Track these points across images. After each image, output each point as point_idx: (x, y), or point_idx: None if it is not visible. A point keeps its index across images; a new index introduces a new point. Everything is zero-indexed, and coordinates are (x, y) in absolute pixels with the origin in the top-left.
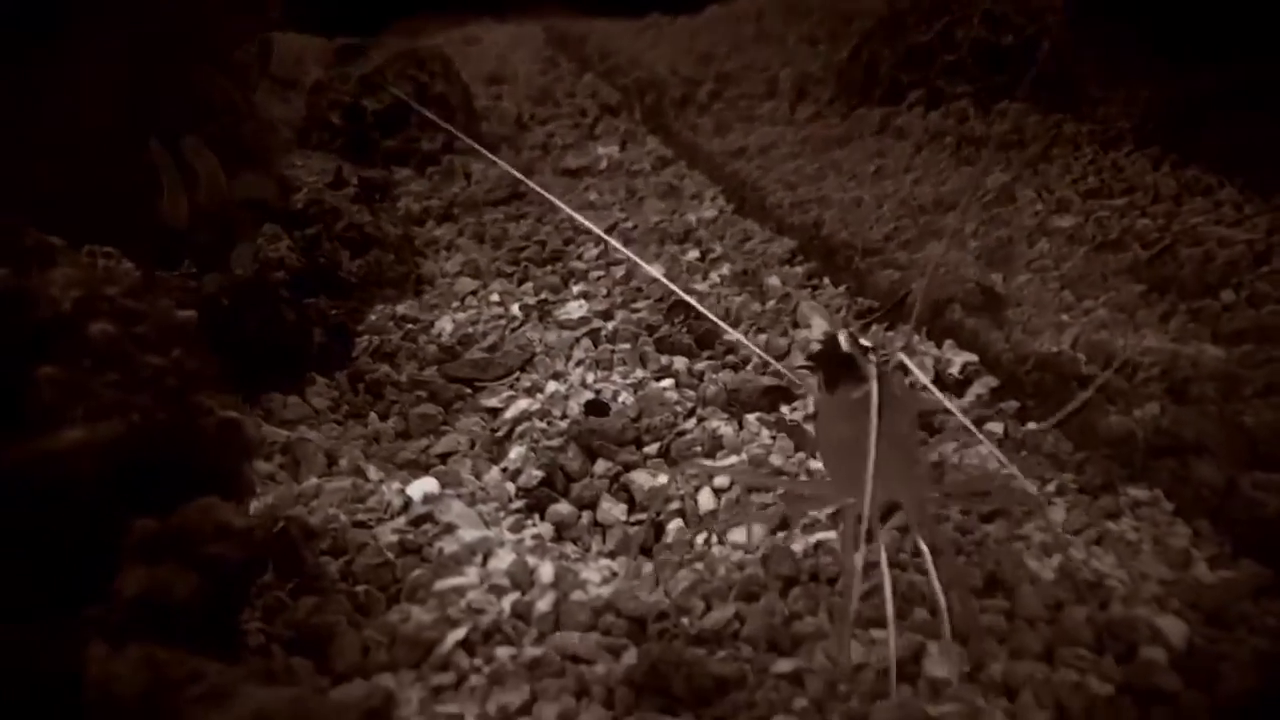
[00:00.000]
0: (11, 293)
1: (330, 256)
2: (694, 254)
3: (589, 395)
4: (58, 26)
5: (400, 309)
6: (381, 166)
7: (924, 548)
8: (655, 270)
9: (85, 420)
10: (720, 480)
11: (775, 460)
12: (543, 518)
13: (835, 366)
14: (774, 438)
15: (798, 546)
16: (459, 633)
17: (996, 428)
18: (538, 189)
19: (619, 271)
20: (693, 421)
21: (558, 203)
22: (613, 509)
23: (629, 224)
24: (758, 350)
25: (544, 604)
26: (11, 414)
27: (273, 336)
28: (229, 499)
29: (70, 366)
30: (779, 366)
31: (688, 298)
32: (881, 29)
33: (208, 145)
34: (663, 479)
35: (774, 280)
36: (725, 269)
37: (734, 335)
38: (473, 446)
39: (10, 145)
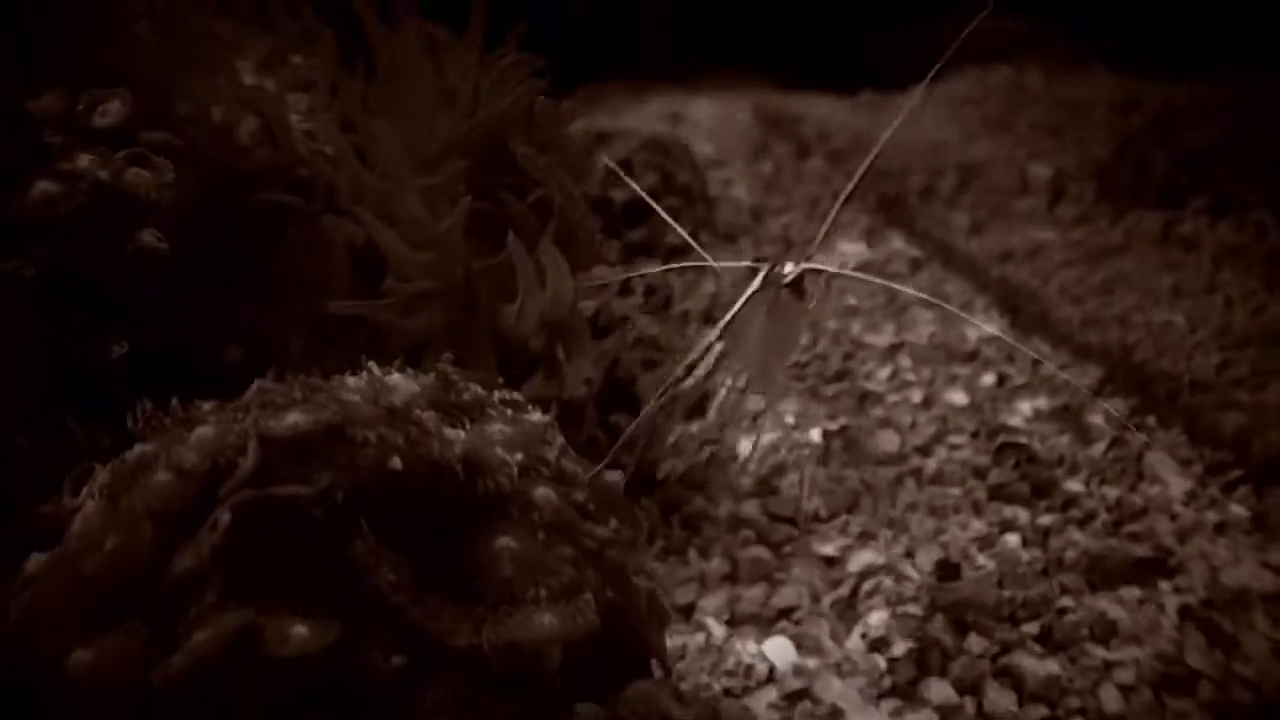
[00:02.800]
0: (471, 460)
1: (627, 371)
2: (989, 379)
3: (936, 551)
4: None
5: (694, 428)
6: (626, 260)
7: None
8: (959, 398)
9: (549, 601)
10: (1124, 675)
11: (1194, 659)
12: (920, 701)
13: None
14: (1180, 629)
15: None
16: None
17: None
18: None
19: (915, 395)
20: (1069, 598)
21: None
22: (1000, 698)
23: (906, 336)
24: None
25: None
26: (457, 586)
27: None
28: (647, 675)
29: (524, 539)
30: None
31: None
32: (1155, 127)
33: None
34: (1053, 666)
35: (1096, 418)
36: (1038, 401)
37: (1077, 487)
38: (816, 601)
39: None
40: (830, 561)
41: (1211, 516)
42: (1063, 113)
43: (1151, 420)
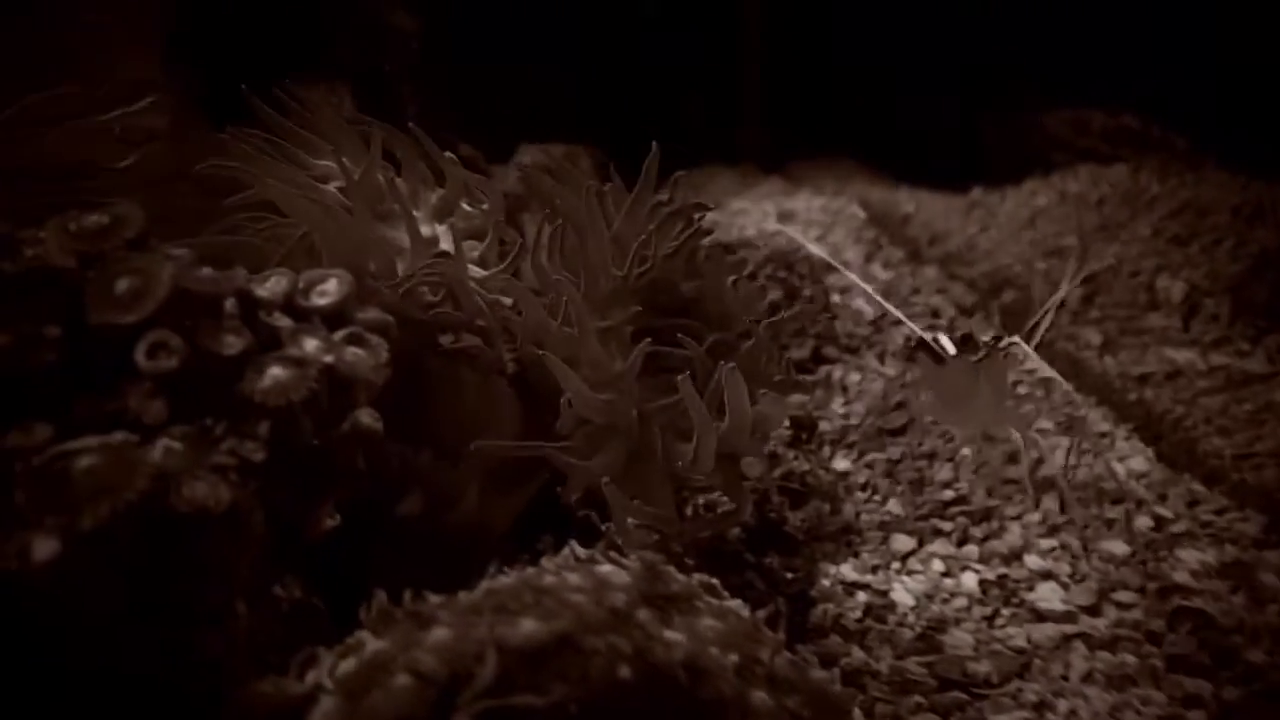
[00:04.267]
0: (692, 665)
1: (778, 510)
2: (1145, 522)
3: None
4: None
5: (846, 571)
6: None
7: None
8: (1118, 546)
9: None
10: None
11: None
12: None
13: None
14: None
15: None
16: None
17: None
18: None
19: (1074, 541)
20: None
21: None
22: None
23: (1043, 470)
24: None
25: None
26: None
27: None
28: None
29: None
30: None
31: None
32: None
33: None
34: None
35: (1269, 578)
36: (1203, 552)
37: (1259, 657)
38: None
39: None
40: None
41: None
42: (1185, 218)
43: None
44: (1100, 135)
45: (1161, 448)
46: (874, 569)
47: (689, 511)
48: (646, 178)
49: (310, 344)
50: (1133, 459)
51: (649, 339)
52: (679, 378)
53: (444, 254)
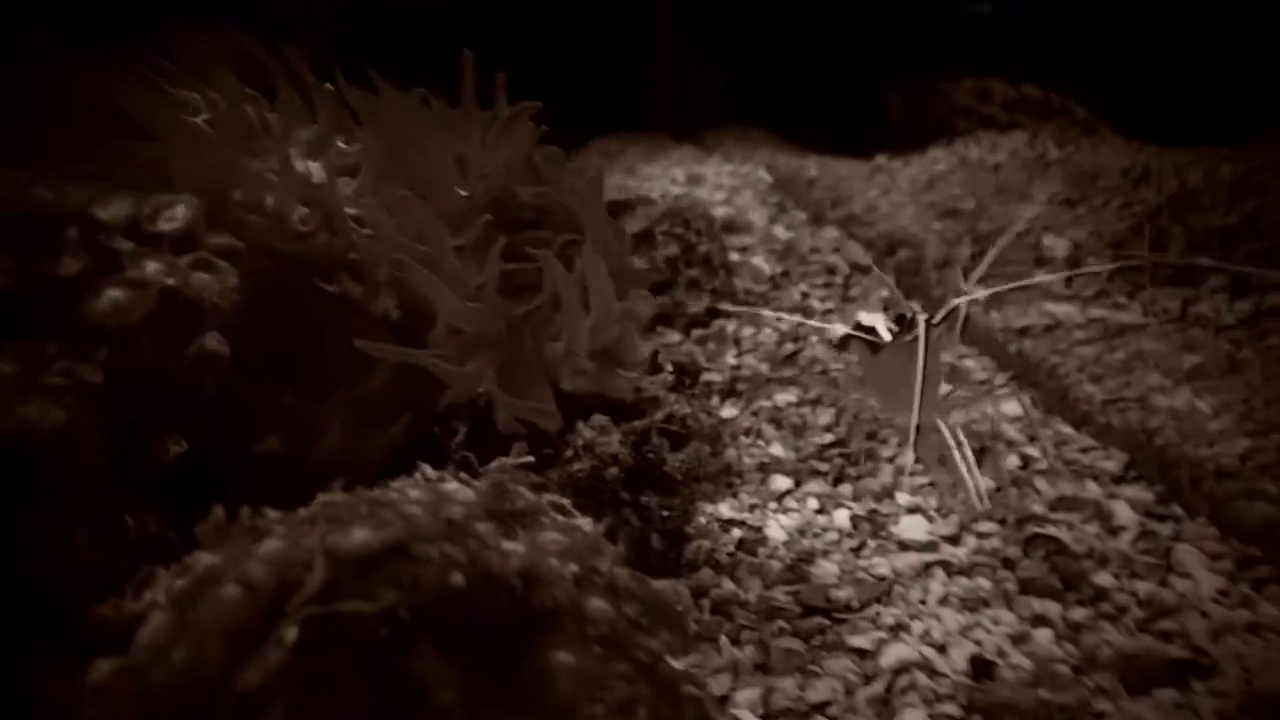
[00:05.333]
0: (528, 574)
1: (657, 452)
2: (1013, 461)
3: (969, 647)
4: None
5: (723, 509)
6: (649, 330)
7: None
8: (983, 483)
9: (605, 718)
10: None
11: None
12: None
13: None
14: None
15: None
16: None
17: None
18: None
19: (943, 479)
20: (1106, 701)
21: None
22: None
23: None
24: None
25: None
26: (515, 701)
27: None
28: None
29: (580, 654)
30: None
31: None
32: (1170, 205)
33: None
34: None
35: (1122, 509)
36: (1060, 487)
37: (1106, 580)
38: (850, 695)
39: None
40: (864, 654)
41: (1244, 615)
42: (1077, 182)
43: (1177, 509)
44: (1002, 104)
45: (1037, 394)
46: (751, 508)
47: (569, 453)
48: (467, 91)
49: (151, 266)
50: (1007, 403)
51: (502, 242)
52: (540, 253)
53: (321, 184)
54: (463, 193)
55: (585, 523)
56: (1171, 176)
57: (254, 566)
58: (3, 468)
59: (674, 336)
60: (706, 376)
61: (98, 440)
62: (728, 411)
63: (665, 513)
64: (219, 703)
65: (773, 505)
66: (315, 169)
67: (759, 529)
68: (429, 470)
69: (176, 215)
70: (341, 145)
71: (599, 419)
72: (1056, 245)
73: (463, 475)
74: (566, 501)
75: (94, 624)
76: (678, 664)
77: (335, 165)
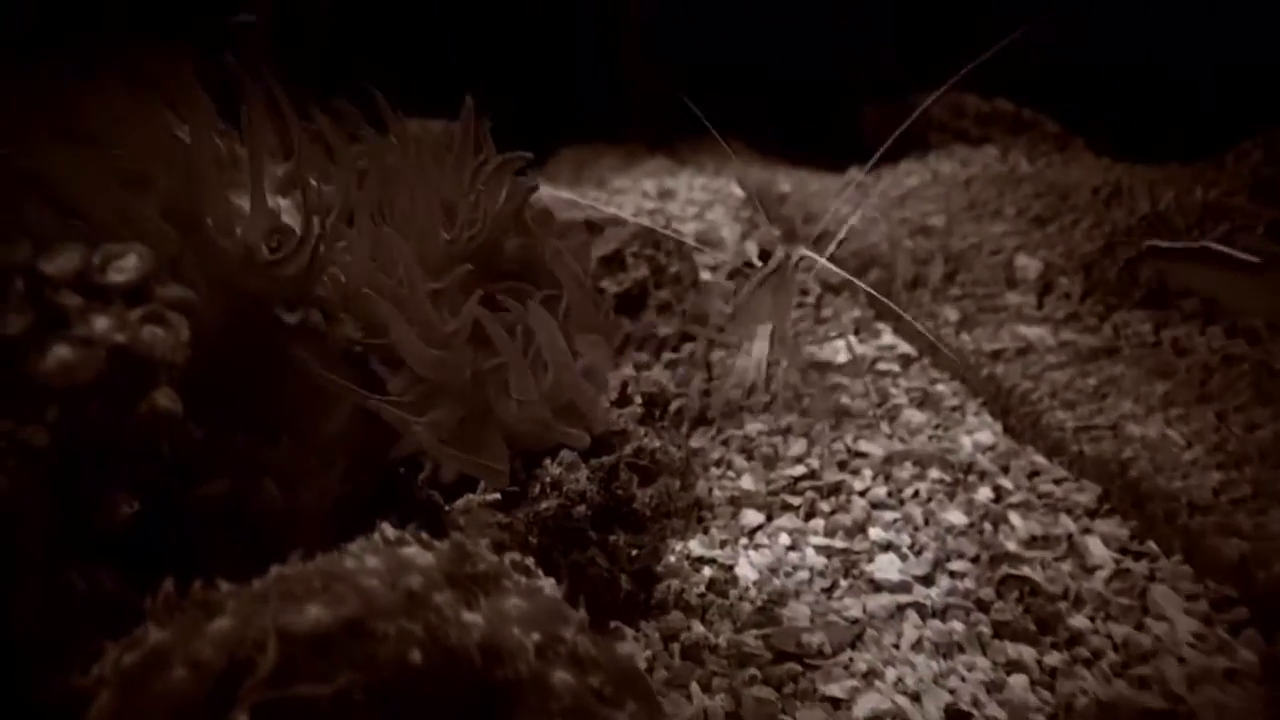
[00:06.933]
0: (489, 647)
1: (626, 488)
2: (986, 493)
3: (944, 695)
4: None
5: (693, 547)
6: (619, 353)
7: None
8: (957, 516)
9: None
10: None
11: None
12: None
13: None
14: None
15: None
16: None
17: None
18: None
19: (916, 513)
20: None
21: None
22: None
23: (900, 444)
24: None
25: None
26: None
27: (587, 589)
28: None
29: None
30: None
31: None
32: (1141, 227)
33: None
34: None
35: (1096, 545)
36: (1033, 524)
37: (1081, 623)
38: None
39: None
40: (837, 704)
41: (1220, 662)
42: (1049, 199)
43: (1152, 545)
44: (974, 118)
45: (1009, 421)
46: (722, 544)
47: (536, 489)
48: (465, 136)
49: (100, 323)
50: (980, 432)
51: (479, 293)
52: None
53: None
54: (446, 237)
55: (548, 584)
56: (1143, 196)
57: (203, 646)
58: None
59: (642, 358)
60: (676, 404)
61: (45, 503)
62: (697, 441)
63: (634, 551)
64: None
65: (744, 542)
66: (285, 205)
67: (730, 567)
68: (389, 531)
69: (127, 266)
70: (315, 184)
71: (566, 455)
72: (1029, 266)
73: (424, 535)
74: (530, 560)
75: (42, 698)
76: None
77: (313, 204)
